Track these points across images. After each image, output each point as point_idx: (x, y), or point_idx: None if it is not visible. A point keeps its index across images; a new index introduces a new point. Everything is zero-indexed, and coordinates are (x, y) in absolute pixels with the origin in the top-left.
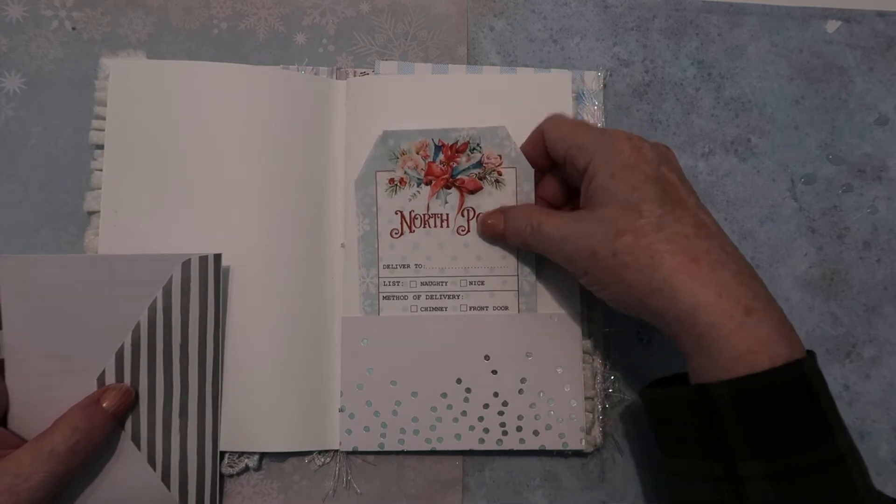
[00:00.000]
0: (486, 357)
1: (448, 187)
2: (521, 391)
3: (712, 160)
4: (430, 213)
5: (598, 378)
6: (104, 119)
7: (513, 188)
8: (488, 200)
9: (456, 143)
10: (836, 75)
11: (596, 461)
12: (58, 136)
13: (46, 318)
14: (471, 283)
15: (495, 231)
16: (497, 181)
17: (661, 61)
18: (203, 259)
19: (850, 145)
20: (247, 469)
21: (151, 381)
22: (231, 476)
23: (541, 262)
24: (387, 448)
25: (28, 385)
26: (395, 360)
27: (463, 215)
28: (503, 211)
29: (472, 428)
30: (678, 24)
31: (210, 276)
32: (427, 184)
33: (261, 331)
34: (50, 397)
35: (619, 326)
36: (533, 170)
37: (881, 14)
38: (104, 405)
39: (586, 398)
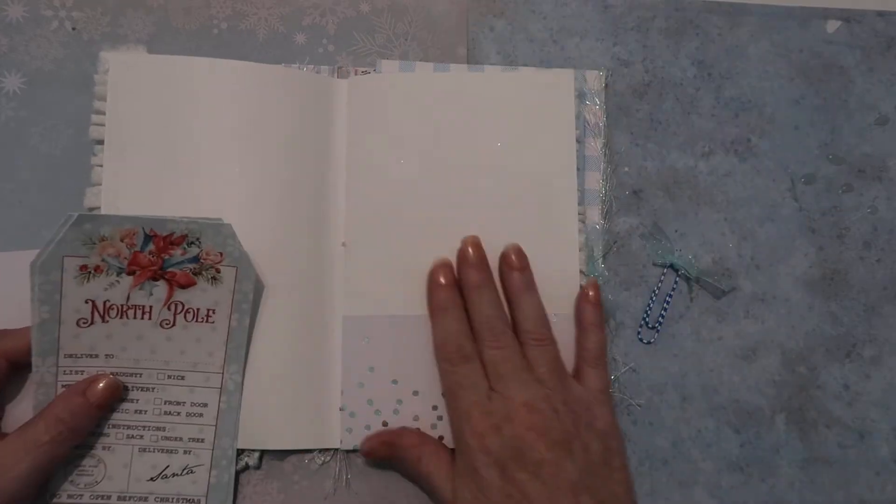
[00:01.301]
0: None
1: (155, 279)
2: None
3: (712, 160)
4: (129, 304)
5: None
6: (104, 114)
7: (230, 286)
8: (201, 296)
9: (171, 234)
10: (836, 75)
11: None
12: (58, 136)
13: None
14: (170, 376)
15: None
16: (214, 279)
17: (661, 61)
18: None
19: (850, 145)
20: (247, 467)
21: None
22: None
23: (538, 259)
24: None
25: None
26: (396, 359)
27: (169, 309)
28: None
29: None
30: (678, 24)
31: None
32: (130, 273)
33: (261, 329)
34: None
35: (620, 326)
36: (255, 272)
37: (881, 14)
38: (89, 397)
39: None
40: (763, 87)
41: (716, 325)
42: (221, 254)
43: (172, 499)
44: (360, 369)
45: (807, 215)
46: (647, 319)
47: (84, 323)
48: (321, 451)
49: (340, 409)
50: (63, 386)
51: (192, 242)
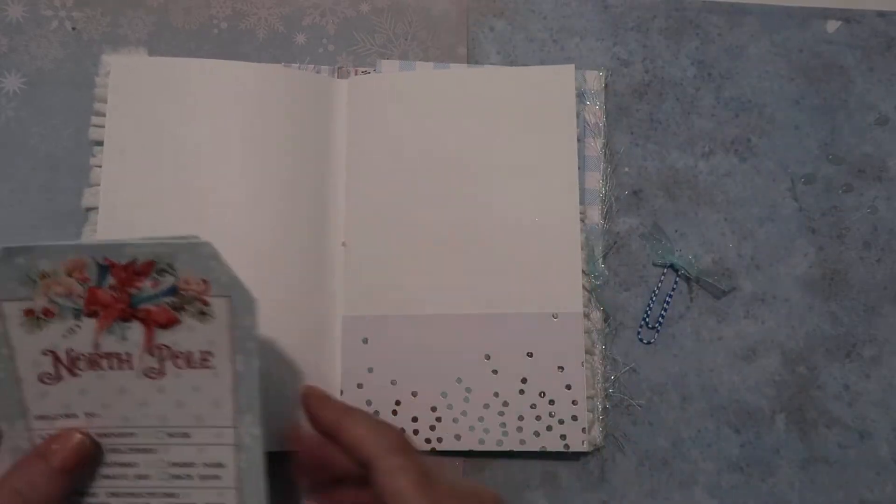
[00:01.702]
0: (487, 357)
1: (126, 319)
2: (521, 391)
3: (712, 160)
4: (99, 351)
5: (598, 378)
6: (104, 115)
7: (226, 322)
8: (190, 337)
9: (133, 262)
10: (836, 75)
11: (596, 461)
12: (58, 136)
13: None
14: (171, 434)
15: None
16: (202, 313)
17: (661, 61)
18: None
19: (850, 145)
20: None
21: None
22: None
23: (539, 258)
24: None
25: None
26: (395, 360)
27: (153, 354)
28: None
29: (472, 428)
30: (678, 24)
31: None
32: (91, 315)
33: (261, 329)
34: None
35: (620, 326)
36: (255, 299)
37: (881, 14)
38: (50, 461)
39: (587, 398)
40: (763, 87)
41: (716, 325)
42: (205, 281)
43: None
44: (359, 369)
45: (807, 215)
46: (647, 319)
47: (49, 378)
48: None
49: None
50: None
51: (164, 270)
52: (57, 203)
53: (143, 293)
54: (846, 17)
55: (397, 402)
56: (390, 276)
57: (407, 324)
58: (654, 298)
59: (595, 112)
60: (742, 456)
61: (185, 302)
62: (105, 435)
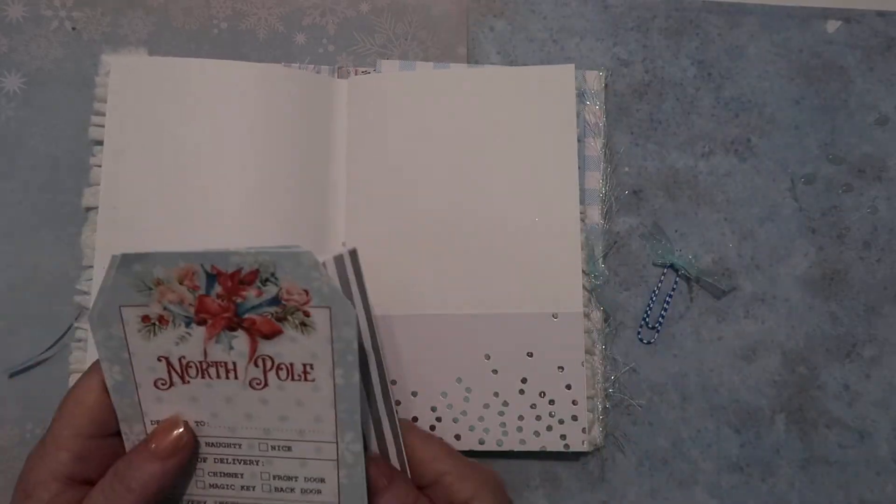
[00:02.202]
0: (487, 357)
1: (232, 329)
2: (521, 391)
3: (712, 160)
4: (208, 360)
5: (598, 378)
6: (104, 115)
7: (327, 334)
8: (292, 348)
9: (239, 270)
10: (836, 75)
11: (596, 461)
12: (58, 136)
13: None
14: (273, 447)
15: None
16: (303, 324)
17: (661, 61)
18: (339, 259)
19: (850, 145)
20: None
21: None
22: None
23: (539, 258)
24: None
25: None
26: (395, 360)
27: (257, 365)
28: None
29: (472, 428)
30: (678, 24)
31: (349, 272)
32: (201, 323)
33: None
34: None
35: (620, 326)
36: (354, 309)
37: (881, 14)
38: (155, 452)
39: (587, 398)
40: (763, 87)
41: (716, 325)
42: (307, 291)
43: None
44: None
45: (807, 215)
46: (647, 319)
47: (163, 384)
48: None
49: None
50: None
51: (267, 279)
52: (57, 203)
53: (247, 302)
54: (846, 17)
55: (397, 402)
56: (390, 276)
57: (406, 323)
58: (654, 298)
59: (595, 112)
60: (742, 456)
61: (287, 312)
62: (212, 444)
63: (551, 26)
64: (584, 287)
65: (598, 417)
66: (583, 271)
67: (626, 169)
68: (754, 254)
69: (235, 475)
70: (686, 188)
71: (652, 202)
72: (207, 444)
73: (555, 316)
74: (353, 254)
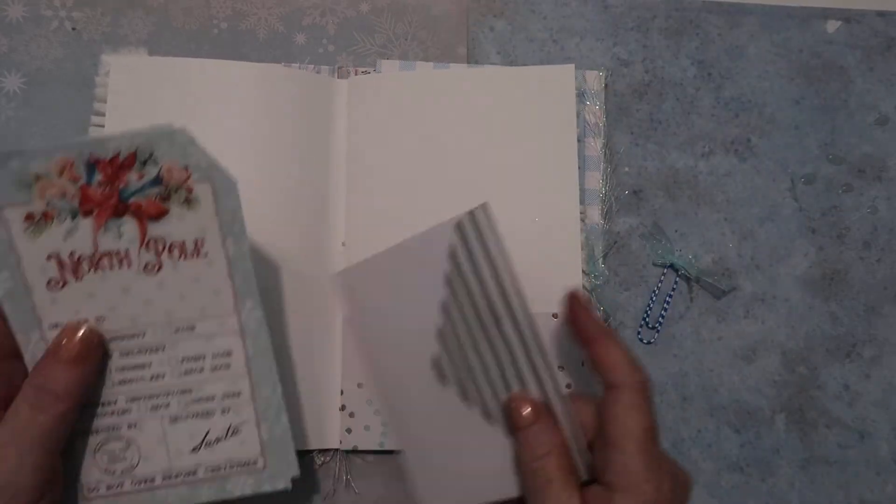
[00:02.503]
0: None
1: (119, 215)
2: None
3: (712, 160)
4: (99, 251)
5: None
6: (104, 115)
7: (211, 207)
8: (181, 226)
9: (117, 155)
10: (836, 75)
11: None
12: (58, 136)
13: (377, 324)
14: (178, 329)
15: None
16: (188, 201)
17: (661, 61)
18: (471, 215)
19: (850, 145)
20: None
21: (478, 353)
22: None
23: (539, 258)
24: (387, 447)
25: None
26: None
27: (149, 248)
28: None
29: None
30: (678, 24)
31: (485, 226)
32: (87, 214)
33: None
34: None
35: (620, 326)
36: (234, 181)
37: (881, 14)
38: (62, 356)
39: None
40: (763, 87)
41: (716, 325)
42: (186, 168)
43: (225, 467)
44: (359, 369)
45: (807, 215)
46: (647, 319)
47: (56, 284)
48: (321, 451)
49: (340, 410)
50: None
51: (146, 161)
52: None
53: (130, 187)
54: (846, 17)
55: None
56: None
57: None
58: (654, 298)
59: (595, 112)
60: (742, 456)
61: (170, 191)
62: (116, 338)
63: (551, 26)
64: (584, 287)
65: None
66: (583, 271)
67: (626, 169)
68: (754, 254)
69: (143, 366)
70: (686, 188)
71: (652, 202)
72: (111, 338)
73: (555, 316)
74: (486, 208)
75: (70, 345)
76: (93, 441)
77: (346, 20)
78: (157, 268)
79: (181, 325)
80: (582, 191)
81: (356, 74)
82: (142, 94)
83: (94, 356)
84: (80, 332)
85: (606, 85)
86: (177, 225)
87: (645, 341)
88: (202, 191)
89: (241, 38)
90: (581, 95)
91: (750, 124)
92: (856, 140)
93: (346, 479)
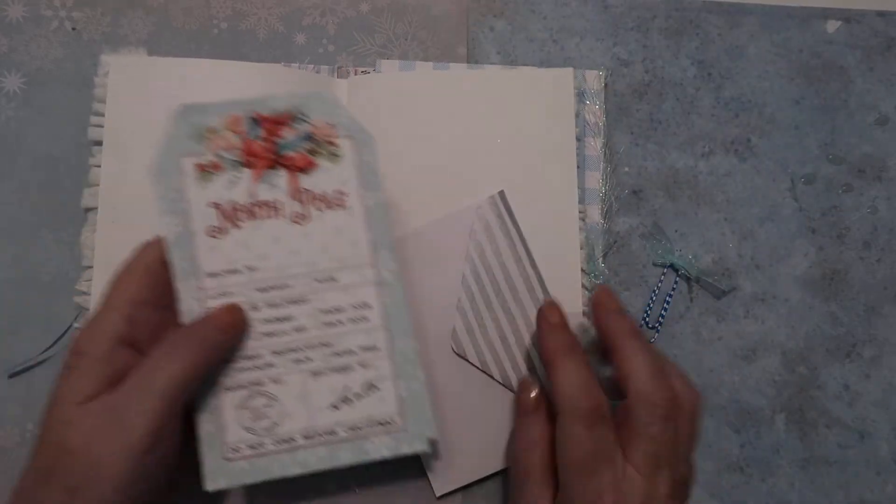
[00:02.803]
0: None
1: (274, 167)
2: None
3: (712, 160)
4: (255, 201)
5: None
6: (103, 115)
7: (353, 160)
8: (326, 178)
9: (276, 113)
10: (836, 75)
11: None
12: (58, 136)
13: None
14: (319, 280)
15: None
16: (333, 154)
17: (661, 61)
18: (492, 199)
19: (850, 145)
20: None
21: (498, 326)
22: None
23: (539, 258)
24: None
25: None
26: None
27: (298, 200)
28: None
29: None
30: (678, 24)
31: (502, 210)
32: (248, 166)
33: None
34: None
35: None
36: (373, 137)
37: (881, 14)
38: (212, 321)
39: None
40: (763, 87)
41: (716, 325)
42: (332, 125)
43: (363, 426)
44: None
45: (807, 215)
46: (647, 319)
47: (216, 232)
48: None
49: None
50: None
51: (299, 118)
52: (57, 203)
53: (285, 141)
54: (846, 17)
55: None
56: None
57: None
58: (654, 298)
59: (595, 112)
60: (742, 456)
61: (318, 146)
62: (264, 289)
63: (551, 26)
64: (583, 287)
65: None
66: (582, 271)
67: (626, 169)
68: (754, 254)
69: (287, 318)
70: (686, 188)
71: (652, 202)
72: (259, 289)
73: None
74: (503, 195)
75: (220, 312)
76: (236, 397)
77: (346, 20)
78: (304, 218)
79: (322, 276)
80: (582, 190)
81: (356, 74)
82: (141, 95)
83: (238, 329)
84: (232, 307)
85: (606, 85)
86: (322, 177)
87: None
88: (345, 145)
89: (241, 38)
90: (581, 95)
91: (750, 124)
92: (856, 140)
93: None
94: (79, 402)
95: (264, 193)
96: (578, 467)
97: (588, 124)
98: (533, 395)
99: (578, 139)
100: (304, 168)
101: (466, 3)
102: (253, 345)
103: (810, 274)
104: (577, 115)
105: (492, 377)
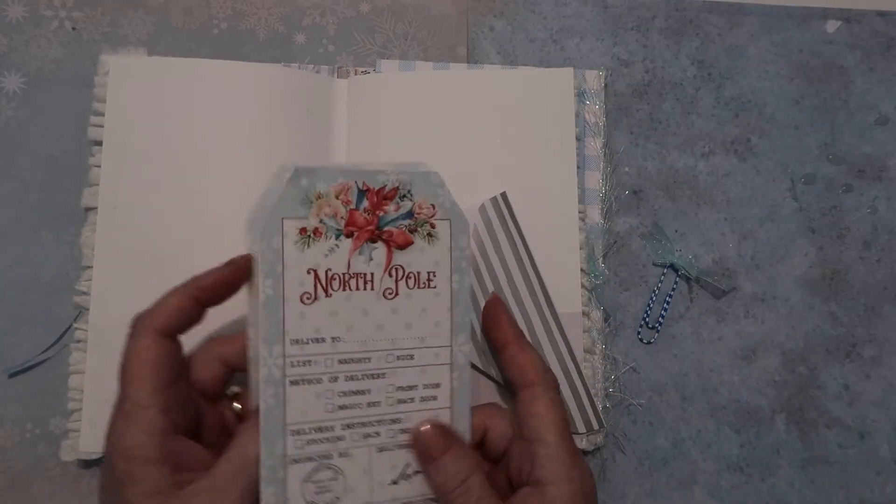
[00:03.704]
0: None
1: (373, 241)
2: None
3: (712, 160)
4: (350, 272)
5: (599, 377)
6: (103, 115)
7: (447, 244)
8: (420, 258)
9: (384, 187)
10: (836, 75)
11: (596, 461)
12: (58, 136)
13: None
14: (399, 357)
15: (425, 457)
16: (430, 235)
17: (661, 61)
18: (494, 200)
19: (850, 145)
20: None
21: None
22: None
23: (539, 258)
24: None
25: None
26: None
27: (391, 275)
28: (447, 448)
29: None
30: (678, 24)
31: (504, 210)
32: (348, 236)
33: None
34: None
35: (620, 326)
36: (469, 223)
37: (881, 14)
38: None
39: None
40: (763, 87)
41: (716, 325)
42: (433, 206)
43: (416, 501)
44: None
45: (807, 215)
46: (647, 319)
47: (308, 299)
48: None
49: None
50: (291, 382)
51: (405, 196)
52: (57, 203)
53: (387, 216)
54: (846, 17)
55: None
56: None
57: None
58: (654, 298)
59: (595, 112)
60: (742, 456)
61: (417, 225)
62: (345, 361)
63: (551, 26)
64: (583, 286)
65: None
66: (582, 270)
67: (626, 169)
68: (754, 254)
69: (363, 392)
70: (686, 188)
71: (652, 202)
72: (340, 361)
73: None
74: (504, 196)
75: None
76: (303, 469)
77: (346, 20)
78: (394, 294)
79: (402, 353)
80: (582, 190)
81: (356, 74)
82: (141, 95)
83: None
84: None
85: (606, 85)
86: (417, 256)
87: (645, 341)
88: (442, 227)
89: (241, 38)
90: (581, 95)
91: (750, 124)
92: (856, 140)
93: None
94: (162, 501)
95: (360, 266)
96: (562, 427)
97: (588, 124)
98: (437, 428)
99: (578, 139)
100: (402, 245)
101: (466, 3)
102: (327, 416)
103: (810, 274)
104: (577, 115)
105: (491, 378)
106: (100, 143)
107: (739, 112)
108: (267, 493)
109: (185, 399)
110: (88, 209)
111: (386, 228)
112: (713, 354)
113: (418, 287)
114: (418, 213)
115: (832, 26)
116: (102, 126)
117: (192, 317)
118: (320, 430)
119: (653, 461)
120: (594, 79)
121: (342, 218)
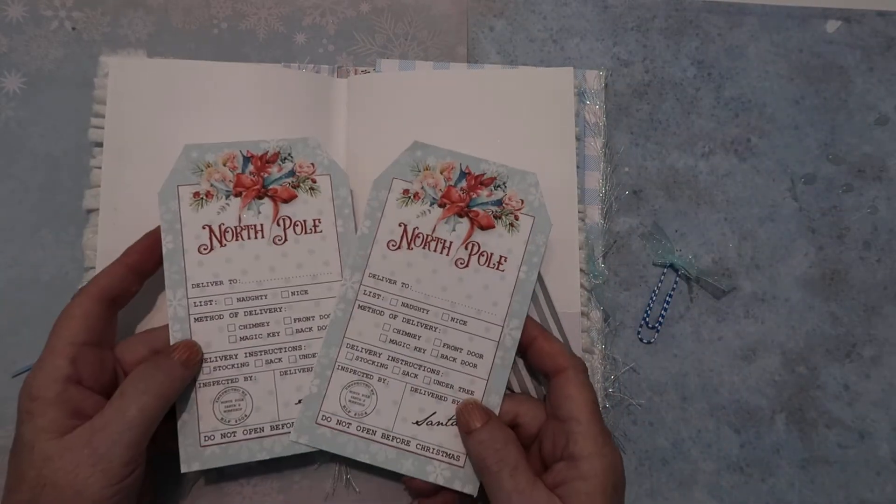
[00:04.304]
0: None
1: (260, 198)
2: None
3: (712, 160)
4: (242, 225)
5: (598, 377)
6: (103, 117)
7: (329, 195)
8: (304, 208)
9: (266, 153)
10: (836, 75)
11: None
12: (58, 136)
13: None
14: (293, 293)
15: (466, 428)
16: (312, 189)
17: (661, 61)
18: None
19: (850, 145)
20: (248, 467)
21: None
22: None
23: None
24: None
25: None
26: None
27: (279, 225)
28: (486, 420)
29: None
30: (678, 24)
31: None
32: (237, 195)
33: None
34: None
35: (620, 326)
36: (347, 176)
37: (881, 14)
38: (176, 360)
39: None
40: (763, 87)
41: (716, 325)
42: (313, 164)
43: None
44: None
45: (807, 215)
46: (647, 319)
47: (205, 249)
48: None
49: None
50: (195, 319)
51: (286, 158)
52: (57, 203)
53: (271, 176)
54: (846, 17)
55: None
56: None
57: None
58: (654, 298)
59: (595, 112)
60: (742, 456)
61: (300, 181)
62: (243, 299)
63: (551, 26)
64: (583, 286)
65: None
66: (582, 270)
67: (626, 169)
68: (754, 254)
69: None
70: (686, 188)
71: (652, 202)
72: (239, 299)
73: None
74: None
75: (181, 347)
76: (212, 392)
77: (346, 20)
78: (283, 240)
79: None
80: (582, 190)
81: (356, 74)
82: (141, 96)
83: (194, 369)
84: (190, 342)
85: (606, 85)
86: (301, 207)
87: (645, 341)
88: (323, 182)
89: (241, 39)
90: (581, 95)
91: (750, 124)
92: (856, 140)
93: (346, 478)
94: (52, 439)
95: (250, 219)
96: (593, 407)
97: (588, 124)
98: (479, 415)
99: (578, 139)
100: (286, 199)
101: (466, 3)
102: (230, 346)
103: (810, 274)
104: (577, 115)
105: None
106: (100, 145)
107: (739, 112)
108: (182, 413)
109: (101, 362)
110: (90, 211)
111: (271, 187)
112: (713, 354)
113: (304, 233)
114: (299, 171)
115: (832, 26)
116: (103, 128)
117: (126, 283)
118: (225, 357)
119: (653, 461)
120: (594, 79)
121: (230, 181)
